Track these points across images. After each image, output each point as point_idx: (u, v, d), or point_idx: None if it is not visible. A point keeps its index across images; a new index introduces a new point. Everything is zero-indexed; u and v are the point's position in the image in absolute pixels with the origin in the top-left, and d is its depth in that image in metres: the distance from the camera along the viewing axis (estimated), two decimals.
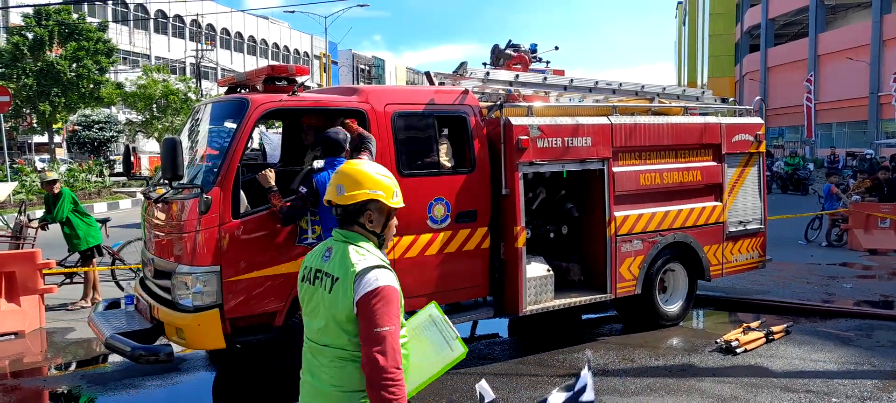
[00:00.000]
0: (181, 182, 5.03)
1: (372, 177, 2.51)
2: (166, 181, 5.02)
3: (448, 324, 2.72)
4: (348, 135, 5.14)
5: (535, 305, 6.28)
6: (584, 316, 7.96)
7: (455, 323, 6.21)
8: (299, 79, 5.58)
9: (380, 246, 2.54)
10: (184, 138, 5.84)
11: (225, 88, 6.16)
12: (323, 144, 5.09)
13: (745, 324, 7.01)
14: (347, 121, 5.36)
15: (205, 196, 4.87)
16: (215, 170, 5.07)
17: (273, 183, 4.99)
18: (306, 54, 76.35)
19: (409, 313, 2.66)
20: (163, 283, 5.34)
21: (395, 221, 2.60)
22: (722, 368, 5.98)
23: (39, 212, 12.49)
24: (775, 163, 27.39)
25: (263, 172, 5.03)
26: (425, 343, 2.64)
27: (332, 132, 5.10)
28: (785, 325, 7.03)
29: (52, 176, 8.95)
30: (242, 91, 5.92)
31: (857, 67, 37.55)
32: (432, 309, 2.76)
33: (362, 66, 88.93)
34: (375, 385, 2.23)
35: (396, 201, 2.53)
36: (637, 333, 7.07)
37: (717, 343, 6.56)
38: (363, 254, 2.40)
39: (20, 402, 5.76)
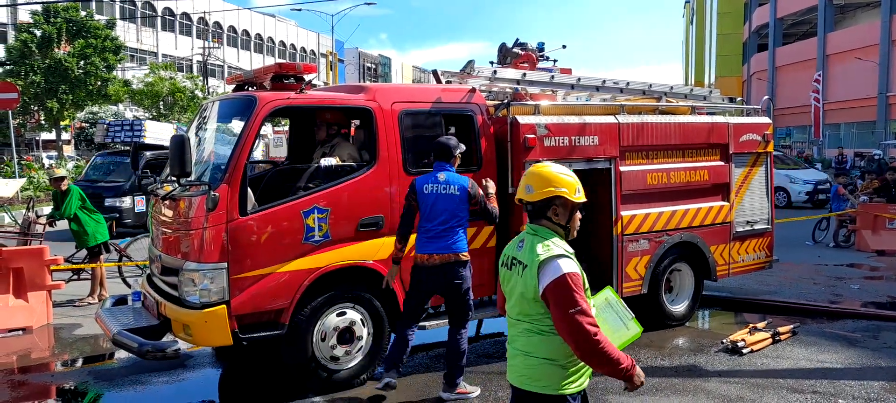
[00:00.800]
0: (189, 179, 5.05)
1: (557, 176, 2.87)
2: (174, 178, 5.03)
3: (623, 306, 3.09)
4: (459, 143, 5.41)
5: None
6: None
7: None
8: (307, 77, 5.59)
9: (566, 237, 2.88)
10: (191, 135, 5.86)
11: (233, 86, 6.17)
12: (435, 150, 5.34)
13: (751, 325, 6.99)
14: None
15: (212, 193, 4.89)
16: (223, 167, 5.09)
17: None
18: (313, 52, 76.45)
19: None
20: (170, 280, 5.36)
21: (579, 215, 2.94)
22: (728, 368, 5.97)
23: (47, 209, 12.53)
24: None
25: None
26: (603, 324, 2.93)
27: (444, 139, 5.37)
28: (791, 326, 7.01)
29: (60, 173, 8.99)
30: (250, 88, 5.93)
31: (866, 67, 37.37)
32: (608, 293, 3.12)
33: (368, 65, 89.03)
34: (587, 353, 2.63)
35: (579, 196, 2.87)
36: (643, 333, 7.04)
37: (723, 343, 6.55)
38: (548, 246, 2.75)
39: (28, 397, 5.79)
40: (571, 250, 2.76)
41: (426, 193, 5.18)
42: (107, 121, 17.79)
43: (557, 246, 2.76)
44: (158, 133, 16.06)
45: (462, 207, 5.22)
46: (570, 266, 2.69)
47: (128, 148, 15.47)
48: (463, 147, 5.42)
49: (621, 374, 2.68)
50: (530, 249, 2.79)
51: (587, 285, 2.77)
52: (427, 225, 5.19)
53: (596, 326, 2.65)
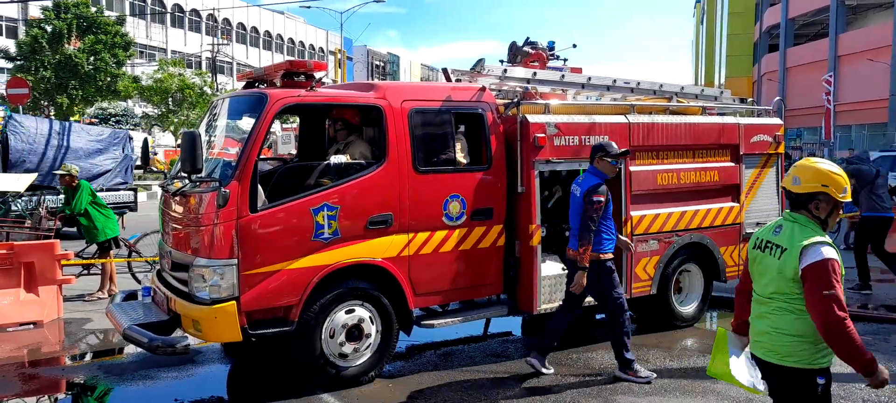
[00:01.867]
0: (200, 175, 5.06)
1: (827, 173, 3.08)
2: (185, 174, 5.05)
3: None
4: (610, 144, 5.73)
5: (549, 304, 6.26)
6: (597, 316, 7.93)
7: (468, 320, 6.28)
8: (317, 75, 5.60)
9: (823, 229, 3.10)
10: (202, 132, 5.88)
11: (243, 83, 6.19)
12: (593, 150, 5.69)
13: None
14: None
15: (223, 189, 4.90)
16: (234, 164, 5.10)
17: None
18: (321, 50, 76.55)
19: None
20: (180, 276, 5.38)
21: (838, 212, 3.13)
22: None
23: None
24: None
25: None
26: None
27: (603, 141, 5.81)
28: None
29: (70, 168, 9.02)
30: (260, 86, 5.95)
31: (878, 69, 37.08)
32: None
33: (377, 62, 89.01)
34: (835, 334, 2.86)
35: (844, 196, 3.06)
36: (652, 333, 7.04)
37: None
38: (809, 233, 3.01)
39: (38, 391, 5.83)
40: (831, 239, 3.01)
41: (571, 193, 5.73)
42: None
43: (820, 234, 3.03)
44: None
45: (582, 208, 5.51)
46: (832, 253, 2.93)
47: None
48: (614, 147, 5.70)
49: (863, 366, 2.88)
50: (791, 234, 3.05)
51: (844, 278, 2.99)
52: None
53: (845, 312, 2.87)
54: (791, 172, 3.17)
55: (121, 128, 31.01)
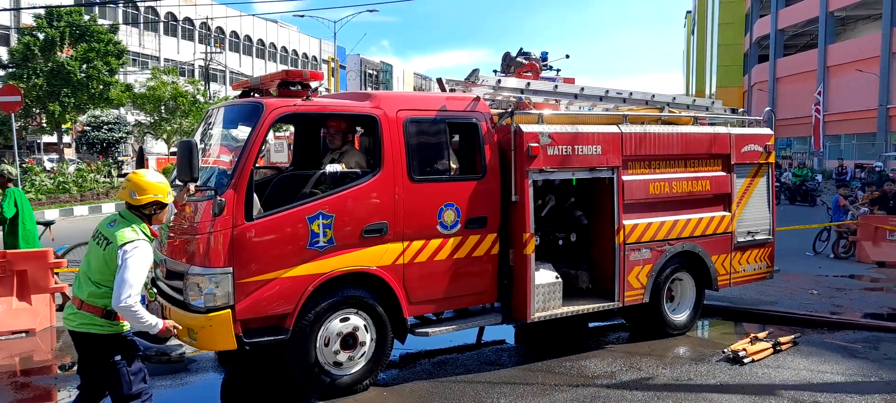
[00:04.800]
0: (196, 184, 5.08)
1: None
2: (181, 183, 5.06)
3: None
4: None
5: (542, 312, 6.30)
6: (591, 324, 7.98)
7: (463, 329, 6.30)
8: (313, 85, 5.63)
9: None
10: (197, 140, 5.89)
11: (238, 92, 6.21)
12: None
13: (752, 335, 7.01)
14: None
15: (219, 198, 4.92)
16: (229, 172, 5.13)
17: None
18: (314, 58, 76.57)
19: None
20: (175, 284, 5.38)
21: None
22: (729, 378, 5.99)
23: (47, 213, 12.29)
24: (783, 174, 27.33)
25: None
26: None
27: None
28: (792, 336, 7.03)
29: (3, 169, 8.57)
30: (255, 95, 5.97)
31: (867, 79, 37.45)
32: None
33: (370, 71, 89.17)
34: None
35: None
36: (644, 341, 7.08)
37: (724, 352, 6.57)
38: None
39: (30, 400, 5.81)
40: None
41: None
42: None
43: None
44: None
45: None
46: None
47: None
48: None
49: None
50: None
51: None
52: None
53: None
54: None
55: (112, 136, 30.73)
